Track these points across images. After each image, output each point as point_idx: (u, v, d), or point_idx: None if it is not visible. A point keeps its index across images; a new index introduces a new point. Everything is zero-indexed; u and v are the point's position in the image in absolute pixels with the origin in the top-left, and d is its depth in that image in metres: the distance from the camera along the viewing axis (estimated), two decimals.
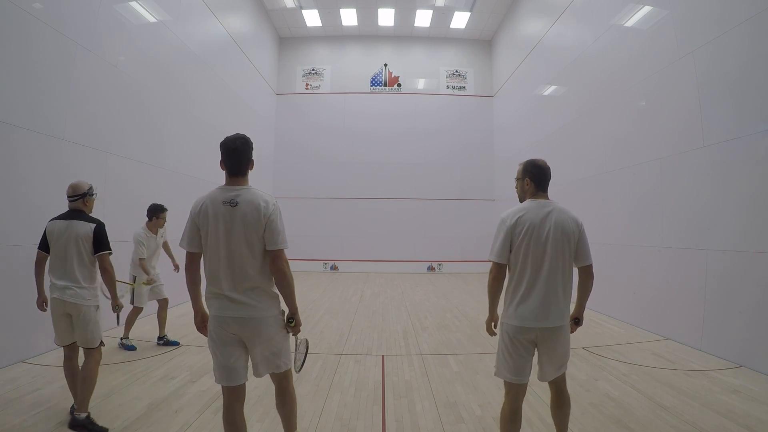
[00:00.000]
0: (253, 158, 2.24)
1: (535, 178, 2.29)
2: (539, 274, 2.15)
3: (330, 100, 13.40)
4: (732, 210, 4.36)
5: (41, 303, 2.94)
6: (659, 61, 5.50)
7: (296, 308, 2.20)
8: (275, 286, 2.14)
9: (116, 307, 3.03)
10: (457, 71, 13.63)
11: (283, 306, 2.19)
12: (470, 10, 12.07)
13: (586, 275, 2.28)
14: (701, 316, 4.61)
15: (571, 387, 3.51)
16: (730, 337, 4.27)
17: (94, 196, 3.08)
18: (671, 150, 5.29)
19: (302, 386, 3.52)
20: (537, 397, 3.32)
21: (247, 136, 2.23)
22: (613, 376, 3.81)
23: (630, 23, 6.26)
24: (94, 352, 2.83)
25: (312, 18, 12.61)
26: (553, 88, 9.15)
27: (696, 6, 4.94)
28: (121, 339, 4.62)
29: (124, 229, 5.59)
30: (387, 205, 13.03)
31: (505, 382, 2.32)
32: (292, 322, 2.18)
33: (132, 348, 4.55)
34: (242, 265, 2.04)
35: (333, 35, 13.51)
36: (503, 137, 12.53)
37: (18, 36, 4.00)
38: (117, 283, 3.09)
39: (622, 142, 6.40)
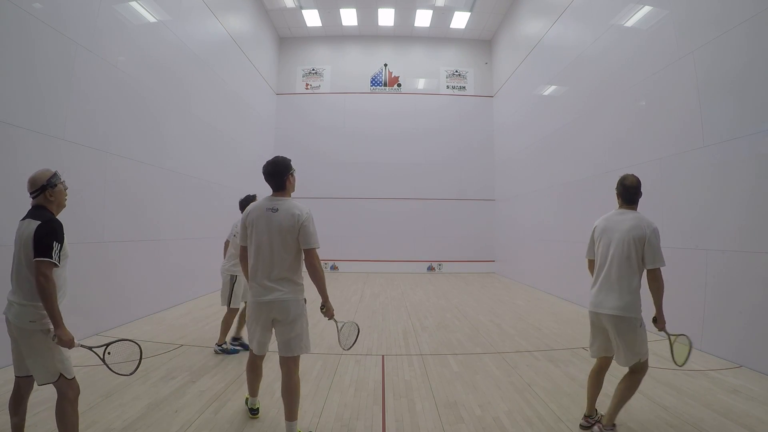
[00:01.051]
0: (293, 174, 2.72)
1: (621, 194, 2.81)
2: (601, 270, 2.70)
3: (330, 100, 13.40)
4: (732, 210, 4.36)
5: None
6: (659, 61, 5.50)
7: (327, 297, 2.72)
8: (301, 279, 2.64)
9: (55, 337, 2.11)
10: (457, 71, 13.63)
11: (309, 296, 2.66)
12: (470, 10, 12.07)
13: (650, 278, 2.63)
14: (701, 316, 4.61)
15: (570, 387, 3.54)
16: (730, 337, 4.28)
17: (59, 186, 2.29)
18: (671, 150, 5.29)
19: (302, 386, 3.51)
20: (537, 397, 3.33)
21: (285, 157, 2.71)
22: (613, 376, 3.80)
23: (630, 23, 6.26)
24: (60, 388, 2.18)
25: (312, 18, 12.61)
26: (553, 88, 9.15)
27: (696, 6, 4.94)
28: (218, 345, 4.34)
29: (124, 229, 5.60)
30: (387, 205, 13.03)
31: None
32: (324, 309, 2.73)
33: (235, 351, 4.31)
34: (276, 259, 2.54)
35: (333, 35, 13.51)
36: (503, 137, 12.54)
37: (18, 36, 4.00)
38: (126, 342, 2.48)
39: (622, 142, 6.40)
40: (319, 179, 13.01)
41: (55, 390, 2.17)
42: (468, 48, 13.68)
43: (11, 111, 3.92)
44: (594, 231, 2.84)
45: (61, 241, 2.14)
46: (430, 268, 12.89)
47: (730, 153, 4.39)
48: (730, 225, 4.37)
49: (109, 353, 2.39)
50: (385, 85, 13.51)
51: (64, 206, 2.37)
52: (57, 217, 2.25)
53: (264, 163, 2.70)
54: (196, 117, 7.77)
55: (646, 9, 5.89)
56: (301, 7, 12.10)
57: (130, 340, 2.51)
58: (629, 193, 2.75)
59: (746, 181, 4.20)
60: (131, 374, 2.47)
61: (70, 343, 2.13)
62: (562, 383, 3.62)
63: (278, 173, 2.63)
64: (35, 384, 2.23)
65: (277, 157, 2.70)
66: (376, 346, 4.85)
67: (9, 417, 2.25)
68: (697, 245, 4.76)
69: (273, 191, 2.68)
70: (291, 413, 2.54)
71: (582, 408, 3.06)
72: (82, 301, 4.80)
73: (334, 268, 12.77)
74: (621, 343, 2.57)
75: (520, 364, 4.19)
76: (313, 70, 13.55)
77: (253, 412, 2.92)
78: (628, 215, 2.69)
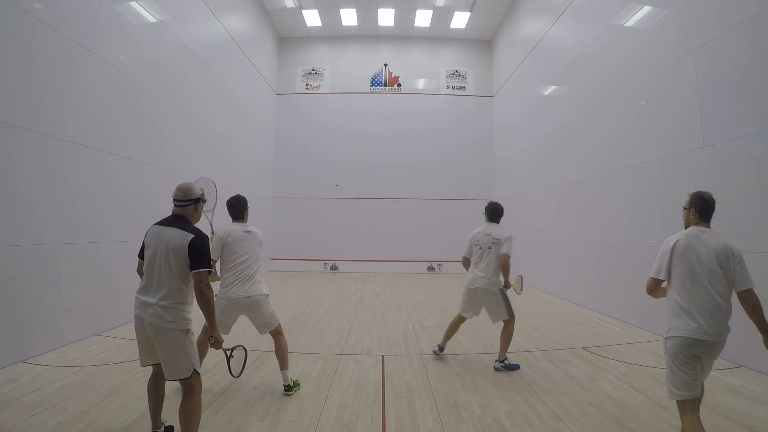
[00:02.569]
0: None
1: (699, 209, 2.55)
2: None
3: (330, 100, 13.40)
4: (732, 210, 4.35)
5: None
6: (659, 61, 5.50)
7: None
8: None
9: (212, 338, 2.46)
10: (457, 71, 13.63)
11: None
12: (470, 10, 12.07)
13: (742, 300, 2.48)
14: None
15: (571, 387, 3.53)
16: (731, 337, 4.25)
17: (201, 203, 2.60)
18: (671, 150, 5.29)
19: (302, 386, 3.52)
20: (537, 397, 3.33)
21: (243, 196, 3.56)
22: (613, 376, 3.81)
23: (630, 23, 6.26)
24: (190, 383, 2.34)
25: (312, 18, 12.61)
26: (553, 88, 9.15)
27: (696, 6, 4.94)
28: (498, 361, 4.04)
29: (124, 229, 5.60)
30: (387, 205, 13.03)
31: None
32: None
33: (516, 367, 3.99)
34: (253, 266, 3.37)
35: (333, 35, 13.51)
36: (503, 137, 12.53)
37: (18, 36, 4.00)
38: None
39: (622, 142, 6.40)
40: (319, 179, 13.01)
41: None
42: (468, 48, 13.68)
43: (11, 111, 3.91)
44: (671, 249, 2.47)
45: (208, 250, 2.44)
46: (430, 268, 12.89)
47: (730, 153, 4.40)
48: (730, 225, 4.36)
49: (232, 356, 2.65)
50: (385, 85, 13.51)
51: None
52: None
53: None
54: (196, 117, 7.77)
55: (646, 9, 5.89)
56: (301, 7, 12.10)
57: (242, 346, 2.80)
58: (710, 208, 2.55)
59: (746, 181, 4.20)
60: (238, 376, 2.74)
61: (220, 345, 2.45)
62: (562, 383, 3.62)
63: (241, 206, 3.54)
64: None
65: (235, 196, 3.59)
66: (376, 346, 4.85)
67: (147, 400, 2.54)
68: None
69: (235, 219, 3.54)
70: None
71: (581, 406, 3.07)
72: (82, 301, 4.81)
73: (334, 268, 12.76)
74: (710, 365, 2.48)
75: (520, 364, 4.19)
76: (313, 70, 13.55)
77: None
78: (707, 233, 2.49)
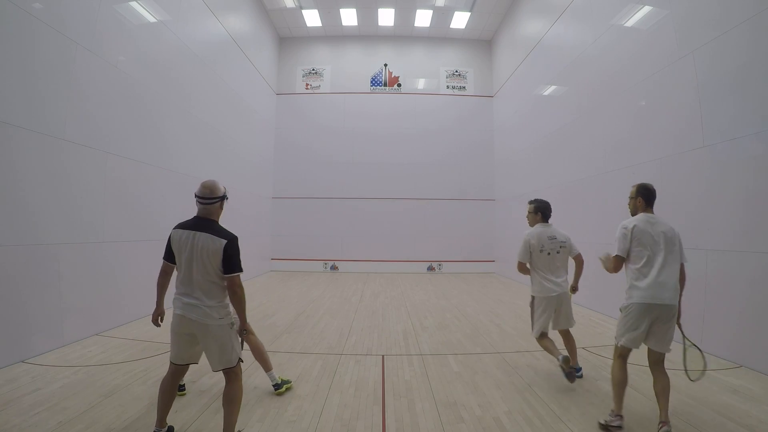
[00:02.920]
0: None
1: (645, 198, 3.02)
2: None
3: (330, 100, 13.40)
4: (732, 210, 4.36)
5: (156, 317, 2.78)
6: (659, 61, 5.50)
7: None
8: None
9: (245, 331, 2.68)
10: (457, 71, 13.63)
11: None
12: (470, 10, 12.07)
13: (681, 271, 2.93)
14: (701, 316, 4.61)
15: (571, 387, 3.53)
16: (730, 337, 4.28)
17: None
18: (671, 150, 5.29)
19: (302, 386, 3.53)
20: (537, 397, 3.33)
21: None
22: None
23: (630, 23, 6.26)
24: (234, 371, 2.53)
25: (312, 18, 12.61)
26: (553, 88, 9.15)
27: (696, 6, 4.94)
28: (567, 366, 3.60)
29: (124, 229, 5.60)
30: (387, 205, 13.03)
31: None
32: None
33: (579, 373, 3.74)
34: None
35: (333, 35, 13.51)
36: (503, 137, 12.53)
37: (18, 36, 4.00)
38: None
39: (622, 142, 6.40)
40: (319, 179, 13.01)
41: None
42: (468, 48, 13.68)
43: (11, 111, 3.92)
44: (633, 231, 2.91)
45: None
46: (430, 268, 12.89)
47: (729, 153, 4.40)
48: (730, 225, 4.37)
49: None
50: (385, 85, 13.51)
51: None
52: None
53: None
54: (196, 117, 7.77)
55: (646, 9, 5.89)
56: (301, 7, 12.10)
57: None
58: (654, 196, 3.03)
59: (746, 181, 4.20)
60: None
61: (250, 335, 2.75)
62: (562, 383, 3.62)
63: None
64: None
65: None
66: (376, 346, 4.85)
67: (158, 397, 2.57)
68: (697, 245, 4.76)
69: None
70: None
71: (581, 406, 3.07)
72: (82, 301, 4.81)
73: (334, 268, 12.76)
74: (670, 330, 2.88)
75: (520, 364, 4.19)
76: (313, 70, 13.55)
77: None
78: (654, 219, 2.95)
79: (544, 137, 9.42)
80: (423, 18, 12.59)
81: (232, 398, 2.48)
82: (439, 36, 13.49)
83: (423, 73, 13.60)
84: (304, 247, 12.74)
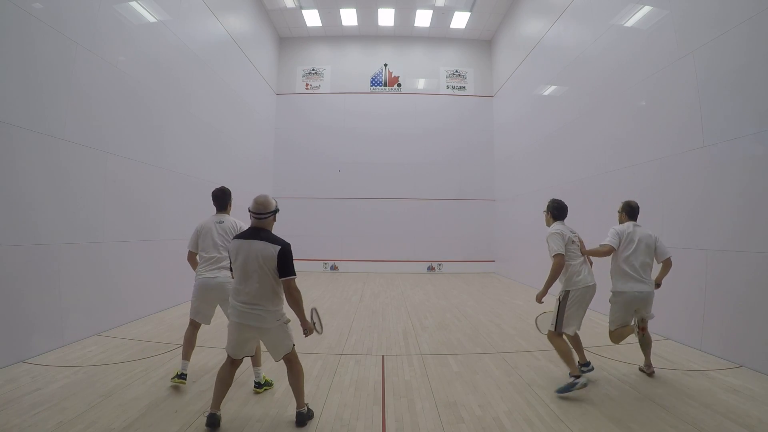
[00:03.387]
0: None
1: (628, 213, 4.08)
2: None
3: (330, 100, 13.40)
4: (731, 210, 4.36)
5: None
6: (659, 61, 5.50)
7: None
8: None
9: (306, 330, 2.86)
10: (457, 71, 13.63)
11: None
12: (470, 10, 12.07)
13: (666, 265, 3.82)
14: (701, 316, 4.61)
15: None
16: (730, 337, 4.28)
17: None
18: (671, 150, 5.29)
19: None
20: (536, 397, 3.33)
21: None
22: (613, 376, 3.81)
23: (630, 23, 6.26)
24: (292, 356, 2.84)
25: (312, 18, 12.61)
26: (553, 88, 9.15)
27: (696, 6, 4.94)
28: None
29: (123, 229, 5.60)
30: (387, 205, 13.03)
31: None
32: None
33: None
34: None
35: (333, 35, 13.51)
36: (503, 137, 12.53)
37: (18, 36, 4.00)
38: None
39: (622, 142, 6.40)
40: (319, 179, 13.02)
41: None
42: (468, 48, 13.68)
43: (11, 111, 3.91)
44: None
45: None
46: (430, 268, 12.89)
47: (729, 153, 4.39)
48: (730, 225, 4.37)
49: (314, 323, 3.03)
50: (385, 85, 13.51)
51: None
52: None
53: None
54: (196, 117, 7.77)
55: (646, 9, 5.89)
56: (301, 7, 12.10)
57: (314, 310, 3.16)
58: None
59: (746, 181, 4.20)
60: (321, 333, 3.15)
61: (311, 332, 2.88)
62: (562, 383, 3.61)
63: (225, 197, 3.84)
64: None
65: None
66: (376, 346, 4.85)
67: (214, 385, 2.78)
68: (697, 245, 4.76)
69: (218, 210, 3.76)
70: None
71: (581, 406, 3.07)
72: (82, 301, 4.81)
73: (334, 268, 12.77)
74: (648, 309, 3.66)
75: (520, 364, 4.19)
76: (313, 70, 13.55)
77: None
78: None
79: (544, 137, 9.42)
80: (423, 18, 12.59)
81: (296, 377, 2.80)
82: (439, 36, 13.49)
83: (423, 73, 13.60)
84: (304, 247, 12.71)
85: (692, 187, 4.93)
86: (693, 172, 4.91)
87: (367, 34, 13.48)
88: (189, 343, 3.55)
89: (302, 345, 4.78)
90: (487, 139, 13.31)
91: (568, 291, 3.54)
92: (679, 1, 5.20)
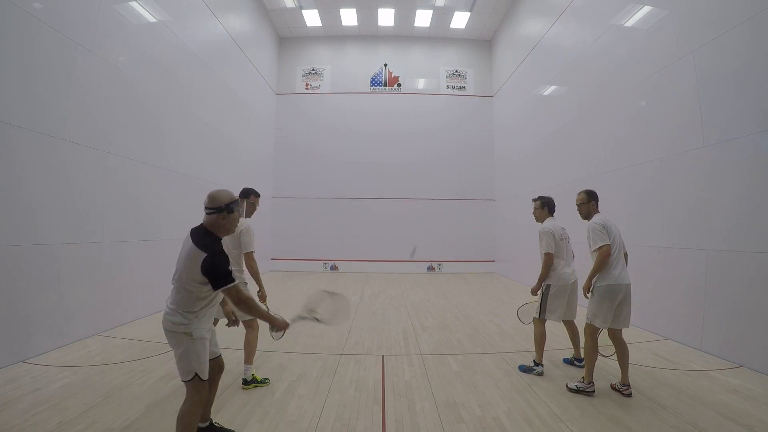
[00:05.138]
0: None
1: (596, 201, 3.94)
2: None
3: (330, 100, 13.40)
4: (731, 210, 4.36)
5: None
6: (659, 61, 5.50)
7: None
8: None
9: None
10: (457, 71, 13.63)
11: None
12: (470, 10, 12.07)
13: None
14: (701, 316, 4.61)
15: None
16: (730, 337, 4.28)
17: (235, 214, 2.39)
18: (671, 150, 5.29)
19: (302, 386, 3.53)
20: (536, 397, 3.33)
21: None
22: (614, 376, 3.81)
23: (630, 23, 6.26)
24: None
25: (312, 18, 12.61)
26: (553, 88, 9.15)
27: (696, 6, 4.94)
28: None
29: (123, 229, 5.60)
30: (387, 205, 13.03)
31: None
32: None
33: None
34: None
35: (333, 35, 13.51)
36: (503, 137, 12.53)
37: (18, 36, 4.00)
38: None
39: (622, 142, 6.40)
40: (319, 179, 13.01)
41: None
42: (468, 48, 13.68)
43: (11, 111, 3.91)
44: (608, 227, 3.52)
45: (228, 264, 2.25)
46: (430, 268, 12.89)
47: (729, 153, 4.40)
48: (730, 225, 4.37)
49: (316, 318, 2.71)
50: (385, 85, 13.51)
51: (232, 232, 2.46)
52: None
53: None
54: (196, 117, 7.77)
55: (646, 9, 5.89)
56: (301, 7, 12.10)
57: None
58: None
59: (746, 181, 4.20)
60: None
61: (285, 327, 2.49)
62: (562, 383, 3.62)
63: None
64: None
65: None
66: (376, 346, 4.85)
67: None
68: (697, 245, 4.77)
69: None
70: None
71: (581, 406, 3.07)
72: (83, 301, 4.81)
73: (334, 268, 12.76)
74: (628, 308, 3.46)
75: (521, 364, 4.18)
76: (313, 70, 13.55)
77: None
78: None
79: (544, 137, 9.42)
80: (423, 18, 12.59)
81: (182, 412, 2.31)
82: (439, 36, 13.49)
83: (423, 73, 13.60)
84: (304, 247, 12.74)
85: (692, 187, 4.93)
86: (693, 172, 4.91)
87: (367, 34, 13.48)
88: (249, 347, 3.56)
89: (302, 345, 4.79)
90: (487, 139, 13.31)
91: (549, 285, 3.95)
92: (679, 1, 5.20)
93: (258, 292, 3.59)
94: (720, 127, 4.53)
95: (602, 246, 3.38)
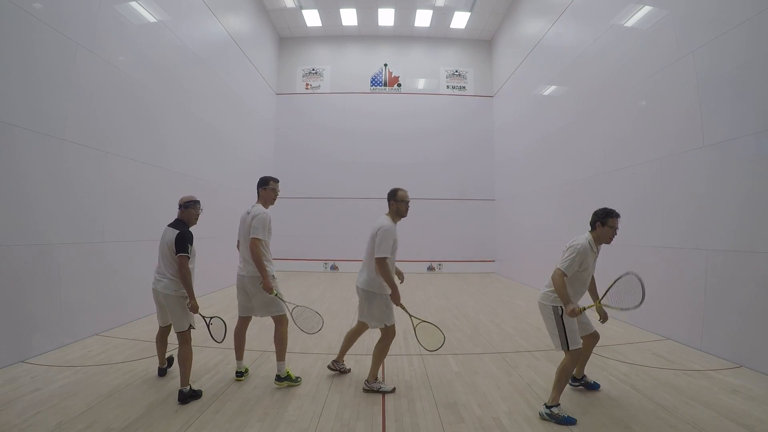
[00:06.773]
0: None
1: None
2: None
3: (330, 100, 13.40)
4: (731, 210, 4.36)
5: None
6: (659, 61, 5.50)
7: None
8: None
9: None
10: (457, 71, 13.63)
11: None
12: (470, 10, 12.07)
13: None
14: (701, 316, 4.61)
15: (571, 387, 3.53)
16: (730, 337, 4.28)
17: (190, 210, 3.58)
18: (671, 150, 5.29)
19: (302, 386, 3.53)
20: (537, 397, 3.33)
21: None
22: (613, 376, 3.81)
23: (630, 23, 6.26)
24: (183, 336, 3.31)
25: (312, 18, 12.61)
26: (553, 88, 9.15)
27: (696, 6, 4.95)
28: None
29: (124, 229, 5.60)
30: (387, 205, 13.00)
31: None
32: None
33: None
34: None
35: (333, 35, 13.51)
36: (503, 137, 12.54)
37: (18, 36, 4.00)
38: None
39: (622, 142, 6.40)
40: (319, 179, 13.01)
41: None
42: (468, 48, 13.68)
43: (11, 111, 3.91)
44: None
45: (191, 243, 3.37)
46: (430, 268, 12.89)
47: (729, 153, 4.39)
48: (730, 225, 4.37)
49: (211, 324, 3.57)
50: (385, 85, 13.51)
51: (194, 224, 3.61)
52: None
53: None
54: (196, 117, 7.77)
55: (646, 9, 5.89)
56: (301, 7, 12.10)
57: (219, 318, 3.70)
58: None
59: (745, 181, 4.20)
60: (221, 342, 3.63)
61: (196, 310, 3.36)
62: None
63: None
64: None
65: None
66: None
67: (156, 350, 3.70)
68: (697, 245, 4.77)
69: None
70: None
71: (581, 406, 3.06)
72: (83, 301, 4.81)
73: (334, 268, 12.76)
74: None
75: (520, 364, 4.19)
76: (313, 70, 13.55)
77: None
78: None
79: (544, 137, 9.42)
80: (423, 18, 12.59)
81: (182, 358, 3.25)
82: (439, 36, 13.49)
83: (423, 73, 13.60)
84: (304, 247, 12.73)
85: (692, 187, 4.93)
86: (693, 172, 4.91)
87: (367, 34, 13.48)
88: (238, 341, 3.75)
89: (302, 345, 4.79)
90: (487, 139, 13.31)
91: (556, 306, 3.12)
92: (679, 1, 5.20)
93: (260, 283, 3.67)
94: (720, 127, 4.53)
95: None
